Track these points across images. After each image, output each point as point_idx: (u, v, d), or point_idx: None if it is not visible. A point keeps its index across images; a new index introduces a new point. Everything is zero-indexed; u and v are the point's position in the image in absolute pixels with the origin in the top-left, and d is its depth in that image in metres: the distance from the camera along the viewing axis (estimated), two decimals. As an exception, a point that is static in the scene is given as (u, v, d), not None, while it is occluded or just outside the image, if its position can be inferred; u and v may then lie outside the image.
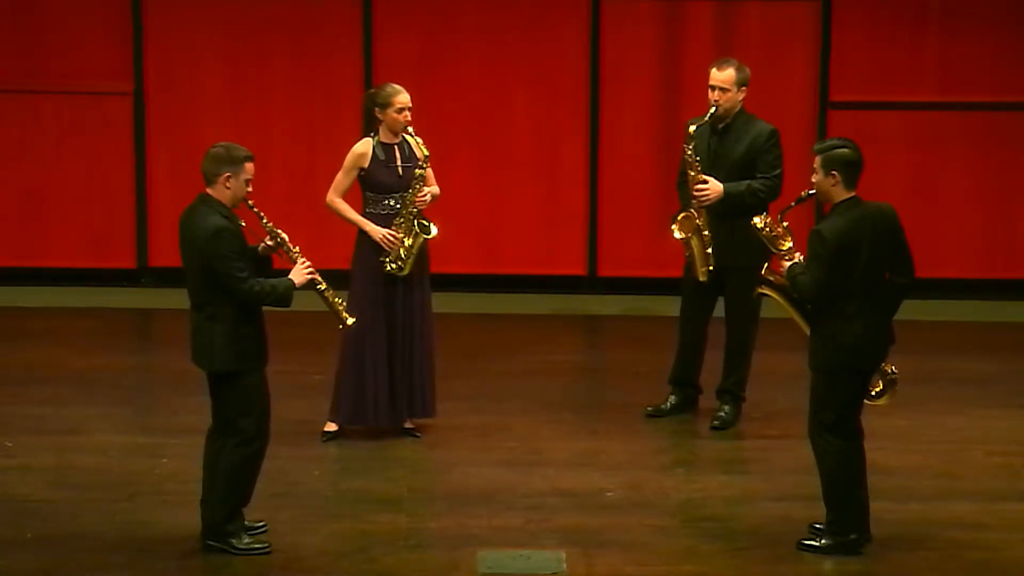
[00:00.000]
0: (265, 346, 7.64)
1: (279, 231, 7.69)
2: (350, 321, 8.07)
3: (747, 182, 9.33)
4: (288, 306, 7.59)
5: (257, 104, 12.71)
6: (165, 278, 12.60)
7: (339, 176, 9.18)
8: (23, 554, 7.63)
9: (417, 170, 9.10)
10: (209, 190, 7.51)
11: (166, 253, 12.72)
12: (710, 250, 9.44)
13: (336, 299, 7.93)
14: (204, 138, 12.29)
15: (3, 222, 12.85)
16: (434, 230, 9.15)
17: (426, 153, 9.08)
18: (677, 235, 9.46)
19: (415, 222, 9.11)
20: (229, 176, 7.47)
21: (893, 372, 7.79)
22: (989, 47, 12.57)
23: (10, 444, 9.20)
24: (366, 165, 9.09)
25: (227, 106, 12.68)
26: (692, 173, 9.38)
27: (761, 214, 8.16)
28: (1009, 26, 12.56)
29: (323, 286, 7.80)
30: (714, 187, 9.34)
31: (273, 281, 7.53)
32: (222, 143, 7.59)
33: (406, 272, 9.13)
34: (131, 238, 12.89)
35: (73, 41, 12.64)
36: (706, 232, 9.42)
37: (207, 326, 7.52)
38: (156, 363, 11.11)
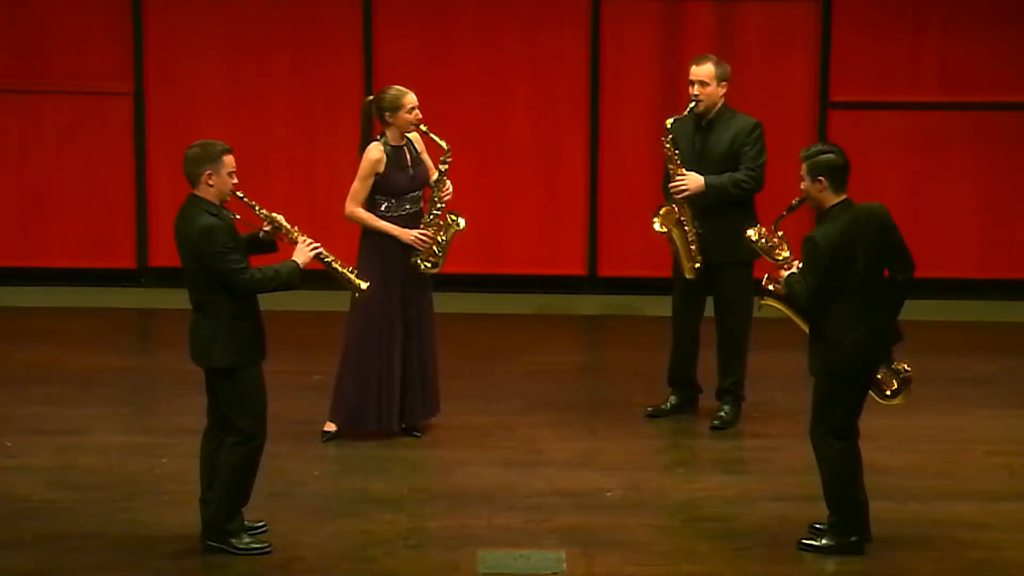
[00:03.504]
0: (263, 343, 7.64)
1: (274, 215, 7.69)
2: (364, 286, 8.04)
3: (729, 173, 9.35)
4: (296, 287, 7.58)
5: (257, 104, 12.71)
6: (165, 278, 12.59)
7: (355, 185, 9.12)
8: (23, 554, 7.64)
9: (440, 166, 9.12)
10: (195, 192, 7.52)
11: (166, 253, 12.70)
12: (694, 246, 9.46)
13: (346, 268, 7.91)
14: (204, 138, 12.32)
15: (3, 222, 12.85)
16: (462, 222, 9.20)
17: (447, 148, 9.10)
18: (657, 228, 9.50)
19: (447, 216, 9.16)
20: (210, 174, 7.48)
21: (906, 370, 7.77)
22: (989, 47, 12.56)
23: (10, 444, 9.21)
24: (382, 170, 9.08)
25: (227, 106, 12.68)
26: (671, 167, 9.43)
27: (754, 227, 8.17)
28: (1009, 26, 12.55)
29: (330, 258, 7.78)
30: (691, 179, 9.37)
31: (275, 266, 7.53)
32: (197, 142, 7.60)
33: (440, 267, 9.19)
34: (131, 238, 12.89)
35: (73, 41, 12.64)
36: (689, 227, 9.45)
37: (204, 323, 7.53)
38: (156, 363, 11.11)
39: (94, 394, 10.19)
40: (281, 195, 12.16)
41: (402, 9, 12.64)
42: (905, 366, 7.78)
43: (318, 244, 7.71)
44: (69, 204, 12.82)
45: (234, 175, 7.53)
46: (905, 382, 7.79)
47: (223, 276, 7.42)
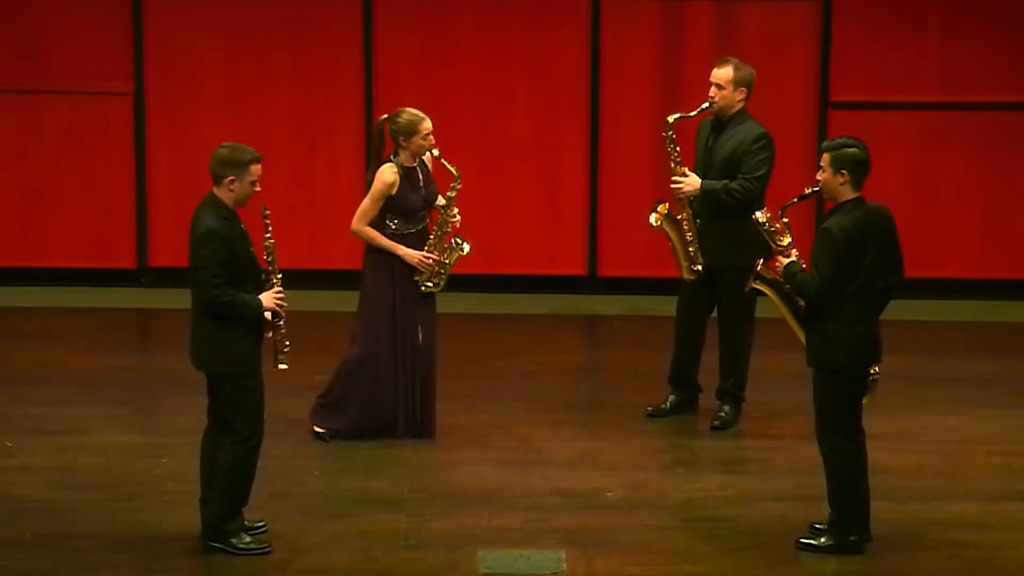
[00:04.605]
0: (260, 347, 7.64)
1: (274, 252, 7.64)
2: (281, 367, 7.86)
3: (725, 181, 9.36)
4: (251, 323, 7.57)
5: (257, 104, 12.70)
6: (165, 278, 12.59)
7: (366, 204, 9.13)
8: (23, 554, 7.63)
9: (449, 192, 9.16)
10: (215, 190, 7.52)
11: (166, 253, 12.72)
12: (692, 249, 9.48)
13: (284, 341, 7.75)
14: (204, 138, 12.32)
15: (3, 222, 12.84)
16: (467, 247, 9.23)
17: (457, 174, 9.11)
18: (652, 223, 9.53)
19: (451, 239, 9.18)
20: (233, 179, 7.48)
21: (875, 372, 7.78)
22: (989, 47, 12.57)
23: (10, 444, 9.20)
24: (394, 193, 9.09)
25: (227, 106, 12.68)
26: (671, 165, 9.45)
27: (761, 209, 8.18)
28: (1009, 26, 12.55)
29: (281, 322, 7.67)
30: (690, 181, 9.40)
31: (245, 297, 7.51)
32: (228, 144, 7.58)
33: (440, 288, 9.24)
34: (131, 238, 12.88)
35: (73, 41, 12.63)
36: (688, 227, 9.46)
37: (203, 326, 7.53)
38: (156, 363, 11.11)
39: (94, 394, 10.19)
40: (281, 195, 12.16)
41: (402, 9, 12.64)
42: (875, 368, 7.78)
43: (285, 303, 7.66)
44: (69, 204, 12.81)
45: (257, 184, 7.53)
46: (872, 383, 7.79)
47: (196, 283, 7.44)
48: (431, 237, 9.23)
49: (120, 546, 7.74)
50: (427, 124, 9.09)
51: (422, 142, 9.08)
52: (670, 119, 9.51)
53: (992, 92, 12.62)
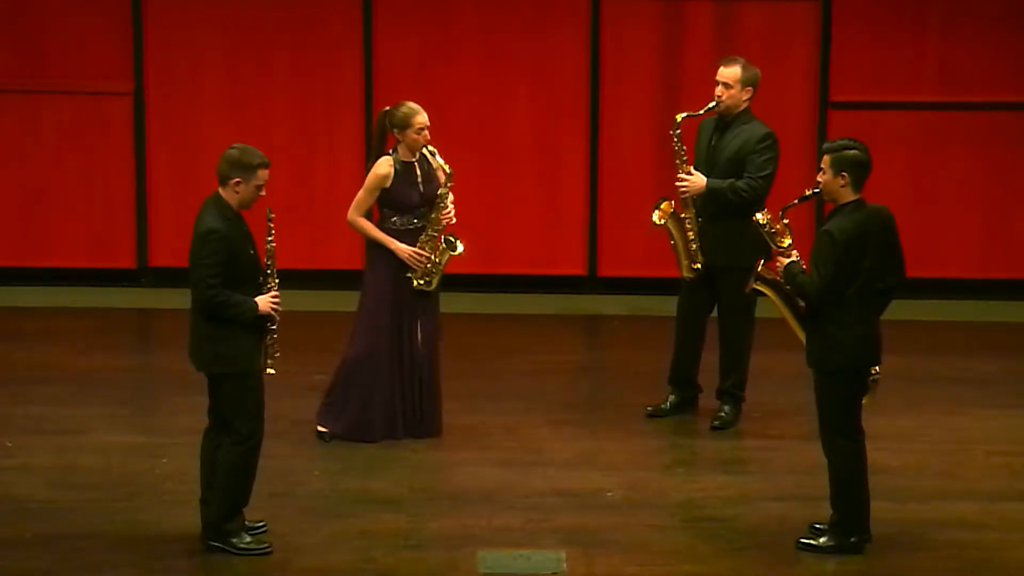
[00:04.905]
0: (260, 347, 7.63)
1: (274, 256, 7.64)
2: (269, 371, 7.84)
3: (731, 180, 9.36)
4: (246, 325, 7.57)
5: (257, 104, 12.70)
6: (165, 278, 12.59)
7: (361, 195, 9.15)
8: (23, 554, 7.63)
9: (441, 189, 9.14)
10: (220, 190, 7.52)
11: (166, 253, 12.72)
12: (695, 246, 9.48)
13: (274, 346, 7.72)
14: (204, 138, 12.34)
15: (3, 222, 12.84)
16: (460, 247, 9.19)
17: (449, 171, 9.10)
18: (655, 220, 9.53)
19: (442, 238, 9.16)
20: (239, 182, 7.47)
21: (876, 373, 7.78)
22: (989, 47, 12.56)
23: (10, 444, 9.20)
24: (388, 185, 9.09)
25: (227, 106, 12.68)
26: (677, 163, 9.45)
27: (761, 210, 8.18)
28: (1009, 26, 12.55)
29: (275, 328, 7.67)
30: (696, 180, 9.40)
31: (240, 299, 7.51)
32: (239, 146, 7.57)
33: (433, 287, 9.19)
34: (131, 238, 12.88)
35: (73, 41, 12.63)
36: (691, 226, 9.47)
37: (203, 326, 7.53)
38: (156, 363, 11.11)
39: (94, 394, 10.19)
40: (281, 195, 12.14)
41: (402, 9, 12.64)
42: (875, 368, 7.78)
43: (279, 307, 7.65)
44: (69, 204, 12.81)
45: (262, 188, 7.52)
46: (873, 384, 7.79)
47: (194, 282, 7.44)
48: (423, 235, 9.21)
49: (120, 546, 7.74)
50: (421, 118, 9.07)
51: (416, 136, 9.07)
52: (678, 118, 9.50)
53: (992, 92, 12.62)
